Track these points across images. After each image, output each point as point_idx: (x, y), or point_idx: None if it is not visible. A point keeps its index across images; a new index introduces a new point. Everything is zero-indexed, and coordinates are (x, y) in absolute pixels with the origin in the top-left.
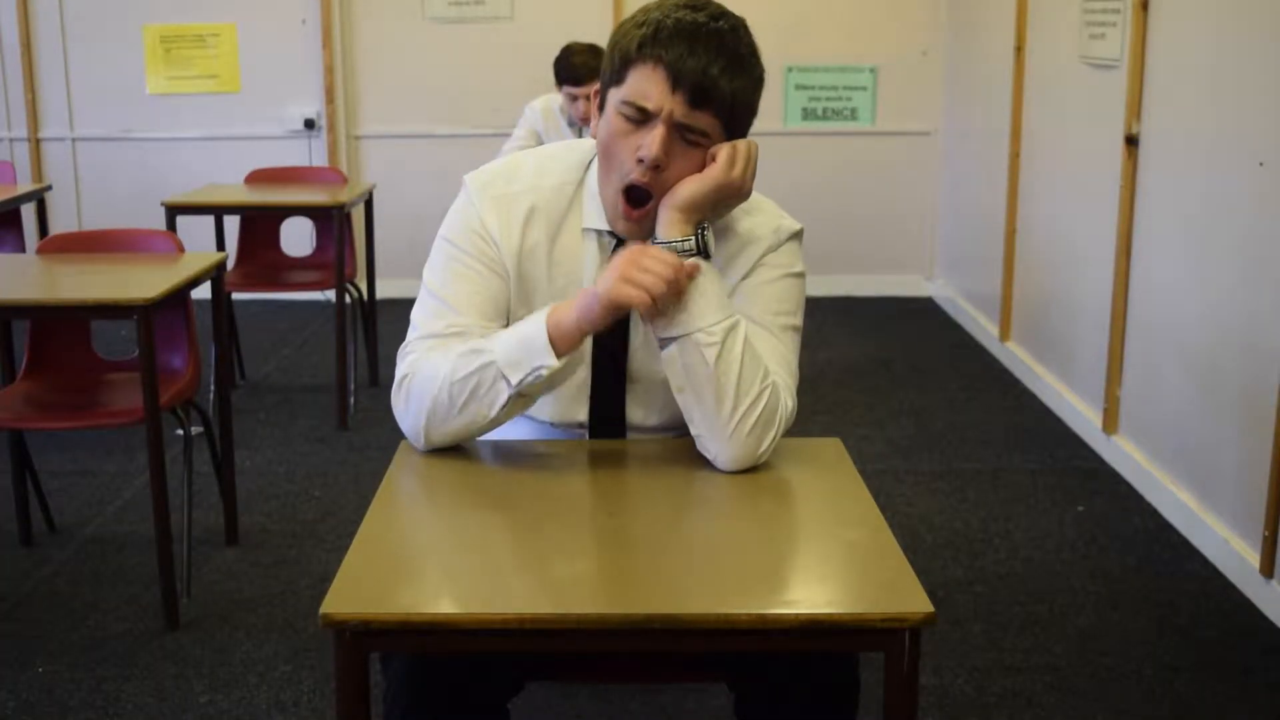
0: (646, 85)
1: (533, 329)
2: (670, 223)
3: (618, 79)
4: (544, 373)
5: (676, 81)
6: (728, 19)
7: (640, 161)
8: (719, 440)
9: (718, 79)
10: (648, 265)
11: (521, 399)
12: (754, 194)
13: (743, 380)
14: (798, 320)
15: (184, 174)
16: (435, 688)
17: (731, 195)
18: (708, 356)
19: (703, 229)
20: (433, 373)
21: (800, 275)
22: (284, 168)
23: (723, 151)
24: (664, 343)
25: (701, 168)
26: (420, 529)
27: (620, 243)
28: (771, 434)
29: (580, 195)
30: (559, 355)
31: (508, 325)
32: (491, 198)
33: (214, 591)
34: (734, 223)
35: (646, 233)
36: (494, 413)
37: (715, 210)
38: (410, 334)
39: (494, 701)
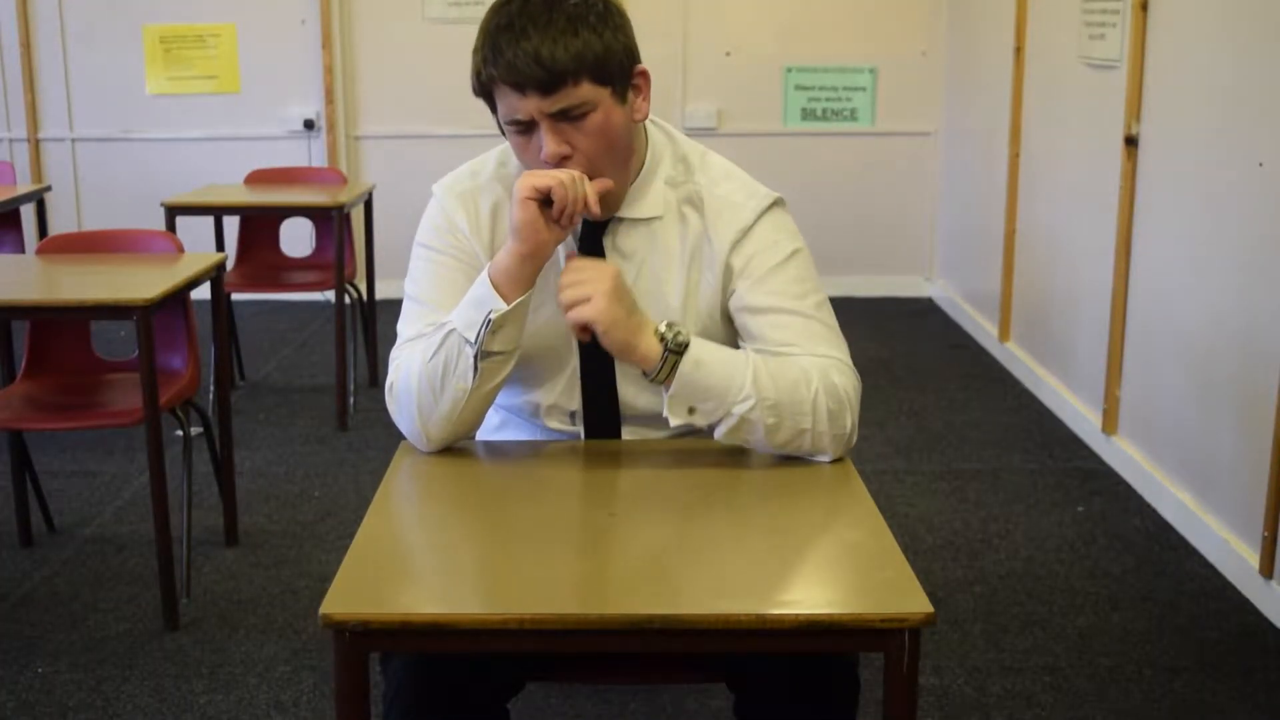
0: (507, 102)
1: (477, 285)
2: (631, 363)
3: (491, 106)
4: (494, 317)
5: (521, 87)
6: None
7: (545, 162)
8: (815, 456)
9: (552, 56)
10: (548, 173)
11: (493, 359)
12: (727, 164)
13: (797, 410)
14: (822, 292)
15: (183, 174)
16: (435, 688)
17: (617, 309)
18: (757, 429)
19: (665, 342)
20: (409, 367)
21: (800, 248)
22: (284, 168)
23: (562, 301)
24: (711, 427)
25: (604, 129)
26: (420, 529)
27: (587, 225)
28: (848, 418)
29: None
30: (507, 298)
31: None
32: (456, 195)
33: (213, 592)
34: (706, 191)
35: (609, 205)
36: (470, 382)
37: (633, 314)
38: (396, 342)
39: (494, 701)
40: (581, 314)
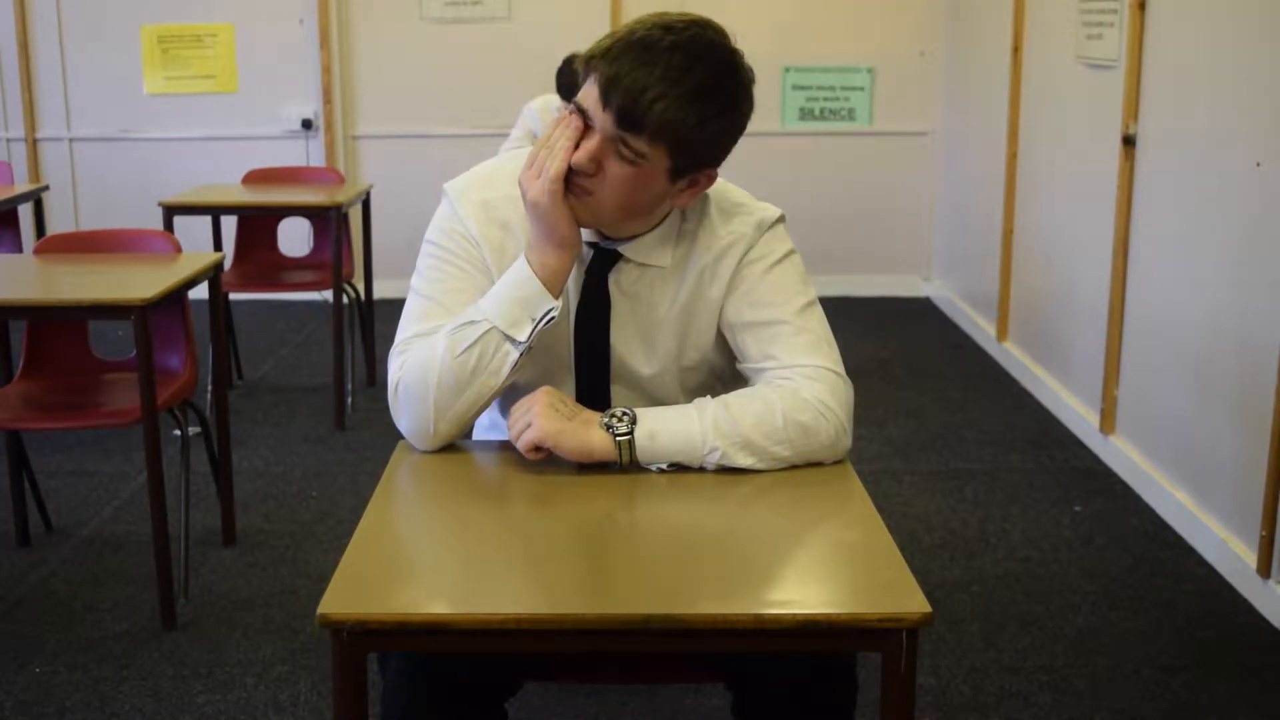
0: (588, 93)
1: (519, 284)
2: (594, 460)
3: (583, 80)
4: (555, 314)
5: (607, 98)
6: (698, 47)
7: (571, 160)
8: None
9: (651, 104)
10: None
11: (528, 354)
12: (730, 189)
13: (771, 440)
14: (809, 294)
15: (181, 174)
16: (432, 687)
17: (557, 420)
18: (739, 465)
19: (612, 431)
20: (426, 361)
21: (789, 254)
22: (281, 168)
23: (511, 438)
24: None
25: (635, 183)
26: (417, 529)
27: (597, 252)
28: (827, 429)
29: None
30: (554, 295)
31: None
32: (472, 203)
33: (211, 592)
34: (717, 227)
35: (584, 221)
36: (501, 379)
37: (575, 417)
38: (398, 337)
39: (491, 701)
40: (528, 437)
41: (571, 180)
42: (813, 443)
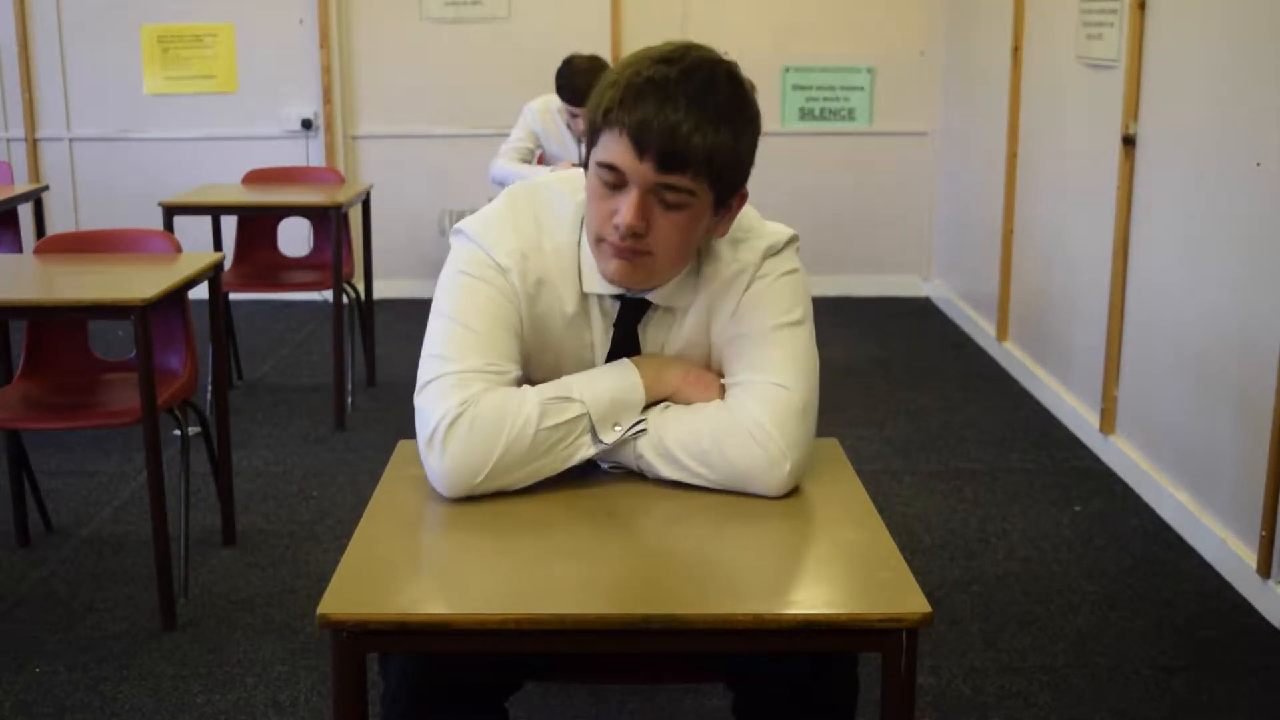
0: (615, 150)
1: (626, 388)
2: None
3: (593, 140)
4: (646, 429)
5: (642, 148)
6: (705, 69)
7: (616, 227)
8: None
9: (688, 137)
10: (706, 384)
11: None
12: (742, 214)
13: (695, 461)
14: (795, 315)
15: (181, 174)
16: (433, 687)
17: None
18: (657, 467)
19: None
20: (504, 416)
21: (792, 273)
22: (281, 168)
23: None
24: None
25: (686, 226)
26: (417, 529)
27: (623, 304)
28: (759, 452)
29: (579, 257)
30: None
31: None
32: (509, 251)
33: (211, 592)
34: (726, 256)
35: (639, 285)
36: (562, 466)
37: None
38: (441, 366)
39: (492, 701)
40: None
41: (623, 249)
42: (738, 469)
